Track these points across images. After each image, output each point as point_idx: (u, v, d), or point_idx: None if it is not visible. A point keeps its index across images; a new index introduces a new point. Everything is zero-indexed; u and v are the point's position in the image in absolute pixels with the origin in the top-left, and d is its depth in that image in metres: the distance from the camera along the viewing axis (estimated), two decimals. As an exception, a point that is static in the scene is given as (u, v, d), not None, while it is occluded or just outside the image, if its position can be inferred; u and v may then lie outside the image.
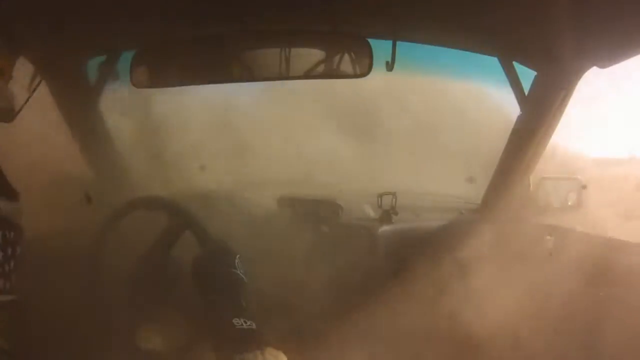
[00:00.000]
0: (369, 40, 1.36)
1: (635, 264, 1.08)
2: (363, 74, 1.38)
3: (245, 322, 0.89)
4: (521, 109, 1.42)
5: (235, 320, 0.89)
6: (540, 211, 1.53)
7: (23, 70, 1.21)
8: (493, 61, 1.41)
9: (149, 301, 1.10)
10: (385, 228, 1.54)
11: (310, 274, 1.55)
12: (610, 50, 1.10)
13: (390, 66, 1.31)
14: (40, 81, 1.34)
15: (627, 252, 1.13)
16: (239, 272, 0.99)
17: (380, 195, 1.63)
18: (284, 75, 1.41)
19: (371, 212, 1.68)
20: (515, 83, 1.40)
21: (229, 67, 1.43)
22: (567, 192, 1.51)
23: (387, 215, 1.59)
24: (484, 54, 1.42)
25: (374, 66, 1.36)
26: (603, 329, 1.06)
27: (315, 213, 1.57)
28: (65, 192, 1.71)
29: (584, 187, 1.51)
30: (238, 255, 1.03)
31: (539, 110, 1.37)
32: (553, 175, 1.54)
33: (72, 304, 1.09)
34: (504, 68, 1.40)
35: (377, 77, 1.39)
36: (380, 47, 1.34)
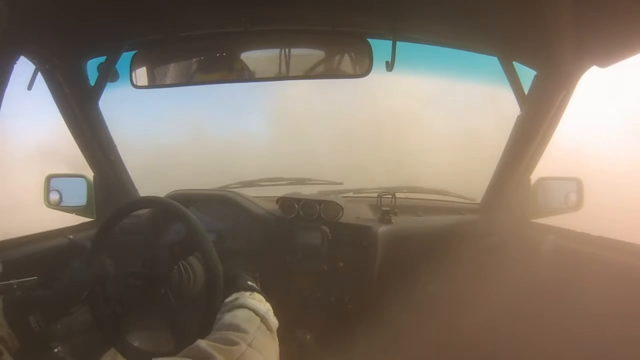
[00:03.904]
0: (369, 40, 1.36)
1: (635, 264, 1.08)
2: (363, 74, 1.38)
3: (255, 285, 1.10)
4: (521, 109, 1.42)
5: (249, 282, 1.09)
6: (540, 211, 1.53)
7: (23, 70, 1.21)
8: (493, 61, 1.41)
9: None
10: (385, 228, 1.54)
11: (311, 273, 1.55)
12: (610, 50, 1.09)
13: (390, 66, 1.32)
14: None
15: (627, 252, 1.12)
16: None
17: (380, 196, 1.63)
18: (284, 75, 1.41)
19: (371, 212, 1.69)
20: (515, 83, 1.40)
21: (229, 67, 1.43)
22: (567, 192, 1.51)
23: (387, 215, 1.59)
24: (484, 54, 1.42)
25: (374, 66, 1.36)
26: (603, 329, 1.06)
27: (316, 213, 1.57)
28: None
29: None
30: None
31: (539, 110, 1.37)
32: (553, 176, 1.54)
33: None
34: (504, 68, 1.40)
35: (377, 77, 1.40)
36: (380, 47, 1.34)
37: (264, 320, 0.93)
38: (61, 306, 1.05)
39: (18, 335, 0.92)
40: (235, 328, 0.86)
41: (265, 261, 1.52)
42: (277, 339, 0.94)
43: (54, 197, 1.69)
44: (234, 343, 0.80)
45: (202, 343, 0.78)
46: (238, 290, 1.06)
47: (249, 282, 1.10)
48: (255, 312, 0.93)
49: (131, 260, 1.16)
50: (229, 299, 1.01)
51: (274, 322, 0.96)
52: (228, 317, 0.90)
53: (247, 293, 1.04)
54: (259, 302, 1.00)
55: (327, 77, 1.46)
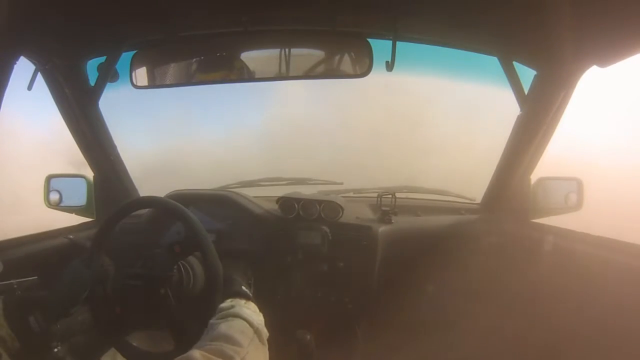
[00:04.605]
0: (369, 40, 1.36)
1: (634, 264, 1.08)
2: (363, 74, 1.38)
3: (249, 292, 1.11)
4: (521, 109, 1.43)
5: (243, 287, 1.11)
6: (540, 211, 1.53)
7: (23, 70, 1.22)
8: (493, 61, 1.41)
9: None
10: (385, 228, 1.54)
11: (311, 274, 1.55)
12: (610, 50, 1.09)
13: (390, 66, 1.32)
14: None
15: (627, 252, 1.12)
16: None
17: (380, 196, 1.63)
18: (284, 75, 1.41)
19: (371, 212, 1.68)
20: (515, 83, 1.41)
21: (229, 67, 1.43)
22: (567, 192, 1.51)
23: (387, 215, 1.59)
24: (484, 54, 1.42)
25: (374, 66, 1.36)
26: (603, 329, 1.06)
27: (316, 213, 1.56)
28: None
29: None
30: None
31: (539, 110, 1.37)
32: (553, 176, 1.54)
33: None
34: (504, 68, 1.40)
35: (377, 77, 1.40)
36: (380, 47, 1.34)
37: (257, 332, 0.93)
38: (61, 306, 1.05)
39: (18, 335, 0.92)
40: (230, 340, 0.86)
41: (265, 261, 1.53)
42: (267, 352, 0.95)
43: (54, 197, 1.69)
44: (228, 357, 0.81)
45: (196, 353, 0.78)
46: (233, 295, 1.06)
47: (243, 287, 1.10)
48: (250, 324, 0.94)
49: (131, 260, 1.15)
50: (224, 304, 1.01)
51: (266, 334, 0.96)
52: (223, 327, 0.90)
53: (243, 301, 1.04)
54: (253, 312, 1.01)
55: (327, 77, 1.46)
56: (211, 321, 0.95)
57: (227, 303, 1.01)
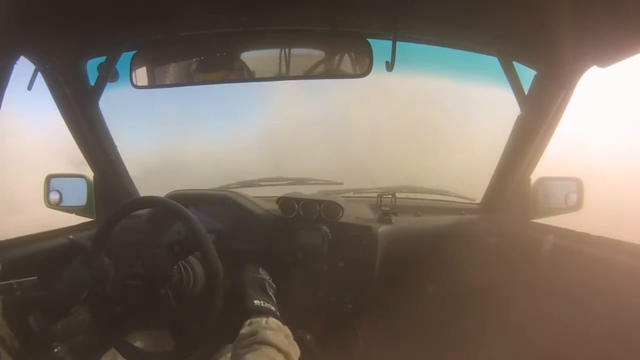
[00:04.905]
0: (369, 40, 1.36)
1: (635, 264, 1.08)
2: (363, 74, 1.39)
3: (264, 303, 1.05)
4: (521, 109, 1.43)
5: (256, 301, 1.04)
6: (540, 211, 1.53)
7: (23, 70, 1.22)
8: (493, 61, 1.41)
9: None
10: (385, 228, 1.54)
11: (311, 273, 1.55)
12: (610, 50, 1.10)
13: (390, 66, 1.32)
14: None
15: (627, 252, 1.13)
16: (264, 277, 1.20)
17: (380, 195, 1.63)
18: (284, 75, 1.41)
19: (371, 212, 1.69)
20: (515, 83, 1.41)
21: (229, 67, 1.43)
22: (567, 192, 1.51)
23: (387, 215, 1.59)
24: (484, 54, 1.42)
25: (374, 66, 1.36)
26: (603, 329, 1.06)
27: (316, 213, 1.57)
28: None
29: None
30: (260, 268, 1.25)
31: (539, 110, 1.37)
32: (553, 176, 1.55)
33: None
34: (504, 68, 1.40)
35: (377, 77, 1.40)
36: (380, 47, 1.34)
37: (287, 356, 0.86)
38: (61, 306, 1.05)
39: (18, 335, 0.92)
40: None
41: (265, 261, 1.52)
42: None
43: (54, 197, 1.68)
44: None
45: None
46: (249, 314, 0.98)
47: (256, 302, 1.03)
48: (279, 349, 0.86)
49: (131, 260, 1.15)
50: (244, 330, 0.92)
51: (297, 353, 0.88)
52: (250, 358, 0.82)
53: (263, 320, 0.95)
54: (277, 331, 0.92)
55: (327, 77, 1.46)
56: (237, 351, 0.88)
57: (247, 328, 0.93)
